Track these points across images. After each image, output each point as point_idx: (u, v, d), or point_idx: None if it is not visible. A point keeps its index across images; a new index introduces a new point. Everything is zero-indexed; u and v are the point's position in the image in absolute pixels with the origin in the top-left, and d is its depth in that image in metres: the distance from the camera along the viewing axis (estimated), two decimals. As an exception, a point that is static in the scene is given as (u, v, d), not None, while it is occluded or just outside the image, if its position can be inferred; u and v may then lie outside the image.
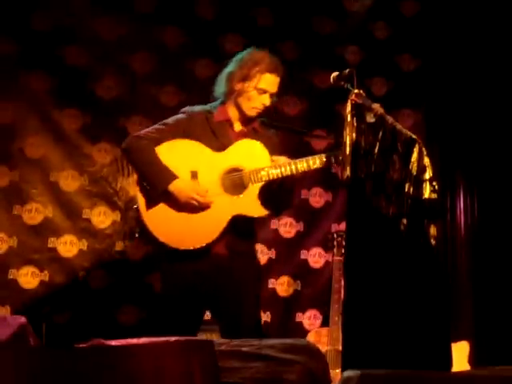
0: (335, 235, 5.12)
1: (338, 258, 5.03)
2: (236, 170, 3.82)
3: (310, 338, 4.99)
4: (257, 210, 3.82)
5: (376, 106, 3.20)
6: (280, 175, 3.77)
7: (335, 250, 5.08)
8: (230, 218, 3.77)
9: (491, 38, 5.72)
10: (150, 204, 3.77)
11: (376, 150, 3.15)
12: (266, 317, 5.50)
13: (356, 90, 3.24)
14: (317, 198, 5.69)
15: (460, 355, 4.51)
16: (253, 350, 3.03)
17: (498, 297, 5.48)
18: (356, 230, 3.18)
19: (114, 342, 2.58)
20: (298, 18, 5.72)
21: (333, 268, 5.03)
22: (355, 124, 3.16)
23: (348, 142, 3.14)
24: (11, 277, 5.14)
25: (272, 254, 5.58)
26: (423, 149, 3.14)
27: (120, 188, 5.34)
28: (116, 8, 5.38)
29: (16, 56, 5.25)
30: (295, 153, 3.99)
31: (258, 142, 3.87)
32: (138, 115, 5.39)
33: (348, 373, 2.75)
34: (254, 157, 3.84)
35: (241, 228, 3.85)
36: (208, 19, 5.58)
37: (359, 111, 3.18)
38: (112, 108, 5.38)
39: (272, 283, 5.55)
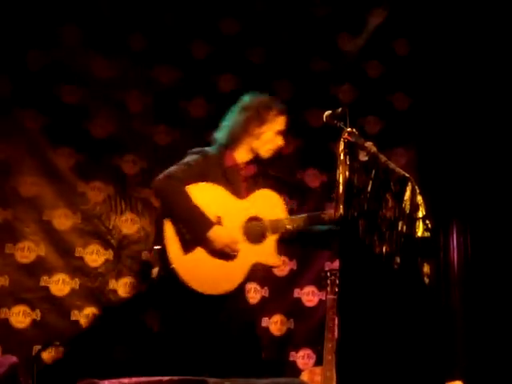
0: (328, 273, 5.09)
1: (332, 296, 5.00)
2: (256, 218, 3.95)
3: (304, 377, 4.95)
4: (274, 259, 3.98)
5: (369, 145, 3.21)
6: (296, 227, 3.97)
7: (328, 288, 5.05)
8: (250, 265, 3.88)
9: (482, 77, 5.76)
10: (185, 248, 3.77)
11: (369, 189, 3.16)
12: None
13: (349, 129, 3.25)
14: (310, 236, 5.68)
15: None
16: (245, 390, 3.01)
17: (492, 336, 5.45)
18: (349, 268, 3.17)
19: (106, 382, 2.56)
20: (292, 57, 5.76)
21: (326, 306, 5.00)
22: (348, 162, 3.17)
23: (341, 181, 3.15)
24: (3, 316, 5.09)
25: (265, 292, 5.55)
26: (416, 187, 3.14)
27: (113, 226, 5.33)
28: (110, 46, 5.41)
29: (10, 94, 5.26)
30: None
31: (275, 193, 4.02)
32: (130, 154, 5.40)
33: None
34: (272, 207, 4.02)
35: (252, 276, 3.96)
36: (201, 58, 5.61)
37: (352, 150, 3.19)
38: (105, 146, 5.38)
39: (265, 322, 5.52)
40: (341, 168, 3.15)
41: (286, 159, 5.68)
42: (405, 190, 3.13)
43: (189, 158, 4.00)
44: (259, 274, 3.95)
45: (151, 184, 3.94)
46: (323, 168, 5.69)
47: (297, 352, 5.54)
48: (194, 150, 4.09)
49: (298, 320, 5.59)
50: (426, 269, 3.13)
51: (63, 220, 5.28)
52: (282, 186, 4.23)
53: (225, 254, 3.82)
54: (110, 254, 5.31)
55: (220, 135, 4.13)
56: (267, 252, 3.94)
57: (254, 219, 3.95)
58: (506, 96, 5.74)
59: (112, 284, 5.27)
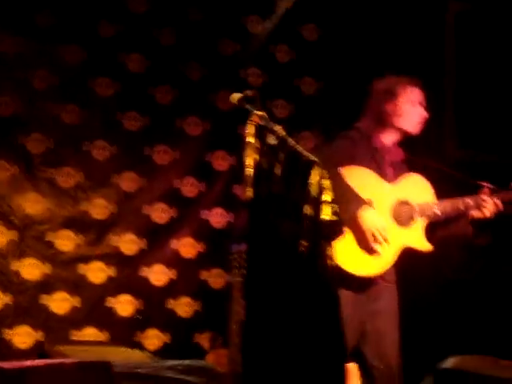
0: (236, 256, 5.11)
1: (239, 278, 5.02)
2: (405, 202, 3.89)
3: (209, 359, 4.98)
4: (423, 244, 3.90)
5: (277, 128, 3.22)
6: (443, 212, 3.89)
7: (236, 270, 5.07)
8: (399, 249, 3.83)
9: (391, 61, 5.86)
10: None
11: (277, 172, 3.18)
12: (164, 338, 5.45)
13: (258, 112, 3.26)
14: (218, 218, 5.69)
15: (353, 375, 4.56)
16: (150, 372, 3.00)
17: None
18: (257, 250, 3.19)
19: (6, 365, 2.51)
20: (201, 39, 5.74)
21: (233, 288, 5.02)
22: (257, 145, 3.17)
23: (249, 164, 3.15)
24: None
25: (173, 274, 5.54)
26: (323, 171, 3.18)
27: (17, 206, 5.21)
28: (16, 23, 5.28)
29: None
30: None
31: (424, 178, 3.97)
32: (36, 132, 5.29)
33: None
34: (421, 192, 3.94)
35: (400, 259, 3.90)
36: (109, 37, 5.52)
37: (261, 133, 3.20)
38: (10, 125, 5.25)
39: (171, 304, 5.51)
40: (249, 151, 3.16)
41: (195, 141, 5.69)
42: (311, 174, 3.16)
43: (338, 142, 3.94)
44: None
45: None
46: (232, 150, 5.70)
47: (203, 334, 5.55)
48: (342, 133, 4.02)
49: (204, 302, 5.60)
50: (330, 251, 3.17)
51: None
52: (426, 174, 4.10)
53: (367, 239, 3.75)
54: (13, 235, 5.19)
55: (361, 123, 4.06)
56: (416, 236, 3.89)
57: (402, 203, 3.91)
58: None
59: (15, 265, 5.16)
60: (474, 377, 2.76)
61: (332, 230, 3.19)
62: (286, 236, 3.16)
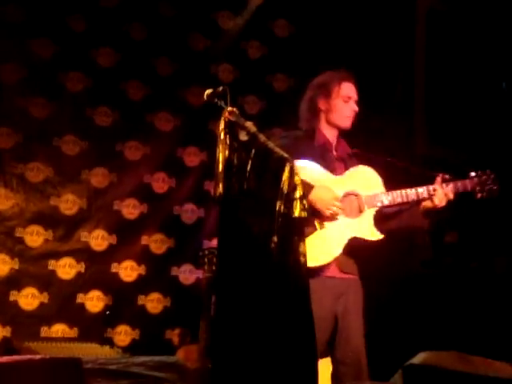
0: (207, 252, 5.12)
1: (209, 274, 5.02)
2: (353, 194, 3.88)
3: (180, 354, 4.97)
4: (372, 234, 3.89)
5: (249, 124, 3.22)
6: (393, 202, 3.88)
7: (206, 266, 5.07)
8: (348, 239, 3.82)
9: (361, 57, 5.89)
10: None
11: (248, 168, 3.18)
12: (134, 334, 5.44)
13: (229, 108, 3.25)
14: (189, 214, 5.68)
15: (324, 372, 4.58)
16: (121, 368, 2.99)
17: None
18: (227, 247, 3.18)
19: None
20: (172, 34, 5.72)
21: (203, 285, 5.02)
22: (228, 142, 3.17)
23: (221, 160, 3.15)
24: None
25: (142, 270, 5.53)
26: (294, 167, 3.18)
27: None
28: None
29: None
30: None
31: (372, 170, 3.95)
32: (4, 127, 5.25)
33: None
34: (369, 183, 3.93)
35: (351, 250, 3.88)
36: (80, 31, 5.49)
37: (232, 129, 3.20)
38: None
39: (141, 299, 5.50)
40: (221, 147, 3.15)
41: (166, 137, 5.68)
42: (283, 170, 3.17)
43: (280, 142, 3.93)
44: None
45: None
46: (203, 146, 5.70)
47: (173, 330, 5.54)
48: (283, 133, 4.03)
49: (174, 298, 5.59)
50: (302, 248, 3.18)
51: None
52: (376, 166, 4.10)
53: (325, 216, 3.75)
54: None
55: (302, 120, 4.07)
56: (365, 226, 3.88)
57: (351, 194, 3.91)
58: (386, 83, 5.89)
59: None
60: (443, 372, 2.78)
61: (304, 227, 3.19)
62: (257, 232, 3.16)
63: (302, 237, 3.18)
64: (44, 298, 5.23)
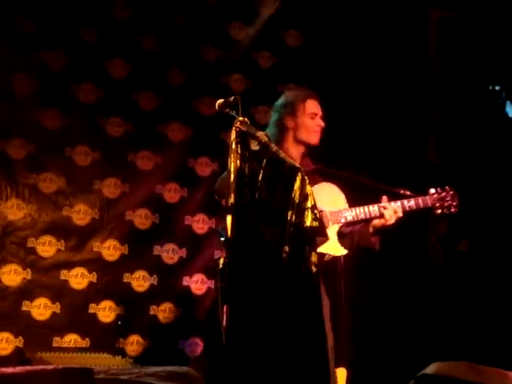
0: (218, 262, 5.10)
1: (221, 284, 5.01)
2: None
3: (192, 365, 4.97)
4: (337, 249, 3.95)
5: (260, 134, 3.22)
6: (356, 218, 3.94)
7: (218, 276, 5.06)
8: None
9: (373, 68, 5.90)
10: None
11: (260, 178, 3.18)
12: (146, 344, 5.44)
13: (241, 118, 3.26)
14: (200, 224, 5.68)
15: (338, 381, 4.57)
16: (133, 378, 2.99)
17: (376, 325, 5.59)
18: (239, 256, 3.19)
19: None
20: (184, 45, 5.74)
21: (216, 295, 5.02)
22: (239, 151, 3.17)
23: (232, 170, 3.15)
24: None
25: (154, 280, 5.53)
26: (306, 177, 3.18)
27: (-2, 212, 5.20)
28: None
29: None
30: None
31: (335, 186, 4.01)
32: (17, 138, 5.27)
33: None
34: (333, 199, 3.99)
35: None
36: (92, 43, 5.52)
37: (244, 139, 3.20)
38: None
39: (153, 310, 5.49)
40: (232, 157, 3.16)
41: (178, 147, 5.69)
42: (294, 180, 3.17)
43: None
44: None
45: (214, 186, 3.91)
46: (214, 156, 5.70)
47: (185, 340, 5.54)
48: None
49: (186, 308, 5.59)
50: (314, 258, 3.18)
51: None
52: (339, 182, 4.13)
53: None
54: (-6, 240, 5.18)
55: (270, 136, 4.10)
56: (330, 242, 3.92)
57: None
58: (398, 92, 5.90)
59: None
60: (455, 382, 2.78)
61: (316, 236, 3.19)
62: (268, 242, 3.16)
63: (314, 246, 3.19)
64: (56, 308, 5.24)
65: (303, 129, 4.06)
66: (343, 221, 3.95)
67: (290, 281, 3.16)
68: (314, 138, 4.08)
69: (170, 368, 3.13)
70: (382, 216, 3.97)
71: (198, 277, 5.63)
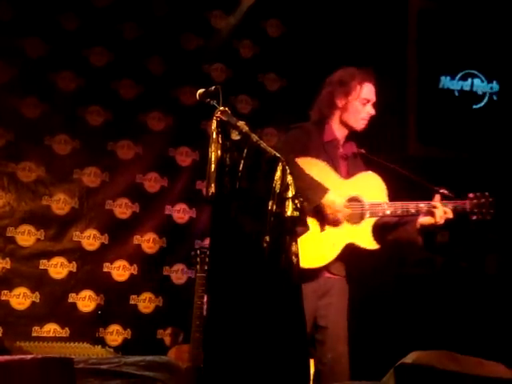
0: (199, 251, 5.11)
1: (201, 274, 5.02)
2: (356, 199, 3.89)
3: (171, 354, 4.97)
4: (369, 242, 3.90)
5: (241, 124, 3.22)
6: (394, 213, 3.90)
7: (198, 266, 5.07)
8: (344, 244, 3.84)
9: (354, 57, 5.89)
10: None
11: (241, 168, 3.18)
12: (126, 334, 5.43)
13: (221, 108, 3.25)
14: (181, 214, 5.68)
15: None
16: (112, 368, 2.98)
17: (355, 315, 5.60)
18: (219, 246, 3.18)
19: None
20: (165, 34, 5.72)
21: (196, 284, 5.02)
22: (220, 141, 3.17)
23: (213, 159, 3.15)
24: None
25: (134, 269, 5.52)
26: (286, 167, 3.18)
27: None
28: None
29: None
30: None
31: (379, 178, 3.96)
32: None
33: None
34: (374, 190, 3.94)
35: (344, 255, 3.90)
36: (72, 30, 5.48)
37: (224, 128, 3.19)
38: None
39: (133, 299, 5.49)
40: (213, 146, 3.15)
41: (158, 136, 5.67)
42: (275, 170, 3.17)
43: (291, 132, 3.93)
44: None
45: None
46: (195, 146, 5.69)
47: (164, 330, 5.53)
48: (292, 125, 4.02)
49: (166, 298, 5.59)
50: (295, 248, 3.18)
51: None
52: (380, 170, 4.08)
53: (334, 220, 3.79)
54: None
55: (312, 111, 4.06)
56: (364, 234, 3.89)
57: (354, 200, 3.89)
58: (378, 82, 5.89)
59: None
60: (434, 372, 2.79)
61: (296, 226, 3.19)
62: (249, 232, 3.16)
63: (295, 236, 3.18)
64: (36, 297, 5.22)
65: (352, 113, 4.01)
66: (381, 214, 3.92)
67: (270, 271, 3.16)
68: (359, 124, 4.05)
69: (150, 358, 3.12)
70: (427, 214, 3.91)
71: (179, 266, 5.63)
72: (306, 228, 3.72)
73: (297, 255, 3.13)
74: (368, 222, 3.93)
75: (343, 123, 4.05)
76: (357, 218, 3.91)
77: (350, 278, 4.08)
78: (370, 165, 4.09)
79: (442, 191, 3.99)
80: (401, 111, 6.16)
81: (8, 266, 5.17)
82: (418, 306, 5.61)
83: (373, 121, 4.09)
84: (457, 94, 6.14)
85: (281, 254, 3.15)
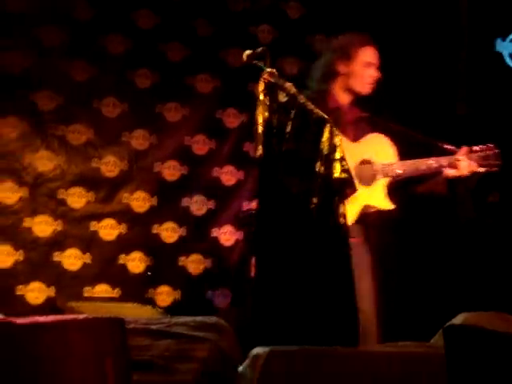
0: (246, 213, 5.13)
1: (249, 236, 5.04)
2: (367, 162, 3.93)
3: (221, 315, 5.01)
4: (384, 203, 3.93)
5: (288, 86, 3.22)
6: (405, 172, 3.94)
7: (246, 228, 5.09)
8: (361, 207, 3.88)
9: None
10: None
11: (288, 129, 3.17)
12: (176, 294, 5.49)
13: (269, 69, 3.25)
14: (228, 176, 5.69)
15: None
16: (162, 328, 3.03)
17: (404, 277, 5.59)
18: (267, 208, 3.20)
19: (19, 320, 2.53)
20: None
21: (244, 246, 5.04)
22: (267, 103, 3.17)
23: (260, 121, 3.15)
24: None
25: (183, 231, 5.56)
26: (334, 128, 3.17)
27: (28, 164, 5.22)
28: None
29: None
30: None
31: (387, 139, 3.97)
32: (46, 89, 5.27)
33: (257, 350, 2.78)
34: (384, 151, 3.97)
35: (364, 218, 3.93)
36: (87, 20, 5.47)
37: (272, 90, 3.19)
38: (20, 82, 5.24)
39: (182, 261, 5.53)
40: (260, 108, 3.15)
41: (206, 98, 5.67)
42: (323, 131, 3.16)
43: None
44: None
45: None
46: (242, 108, 5.68)
47: (214, 291, 5.58)
48: None
49: (215, 259, 5.62)
50: (342, 209, 3.18)
51: (-25, 157, 5.17)
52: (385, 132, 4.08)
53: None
54: (24, 192, 5.21)
55: (314, 80, 4.06)
56: (378, 195, 3.93)
57: (366, 162, 3.92)
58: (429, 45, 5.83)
59: (27, 222, 5.19)
60: (484, 333, 2.78)
61: (344, 188, 3.19)
62: (296, 193, 3.16)
63: (342, 198, 3.19)
64: (87, 258, 5.29)
65: (357, 78, 3.99)
66: (393, 174, 3.92)
67: (317, 232, 3.17)
68: (365, 88, 4.02)
69: (199, 318, 3.16)
70: (451, 167, 3.92)
71: (227, 228, 5.65)
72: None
73: (345, 216, 3.13)
74: (381, 183, 3.93)
75: (348, 89, 4.04)
76: (369, 180, 3.92)
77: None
78: (376, 128, 4.07)
79: (449, 148, 3.99)
80: (452, 72, 6.07)
81: (59, 228, 5.25)
82: (468, 266, 5.58)
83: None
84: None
85: (328, 214, 3.16)
